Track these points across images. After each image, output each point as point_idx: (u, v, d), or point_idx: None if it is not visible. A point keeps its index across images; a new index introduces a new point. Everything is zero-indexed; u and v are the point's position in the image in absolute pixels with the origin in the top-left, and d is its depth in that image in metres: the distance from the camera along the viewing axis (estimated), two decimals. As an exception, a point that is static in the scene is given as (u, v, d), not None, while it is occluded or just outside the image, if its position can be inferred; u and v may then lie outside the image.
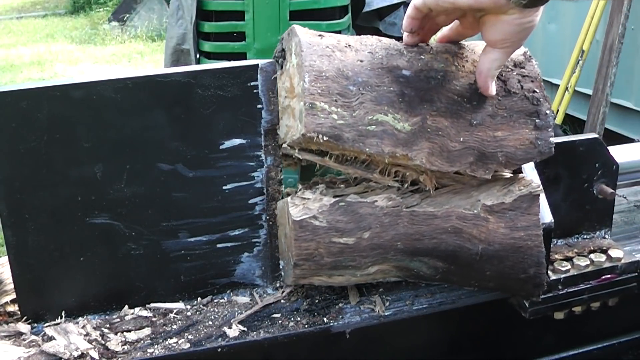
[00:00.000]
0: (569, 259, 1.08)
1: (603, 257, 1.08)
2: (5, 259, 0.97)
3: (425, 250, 0.94)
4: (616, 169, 1.12)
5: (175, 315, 0.99)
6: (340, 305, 1.02)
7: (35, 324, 0.96)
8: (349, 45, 0.93)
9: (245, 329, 0.96)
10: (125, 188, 0.95)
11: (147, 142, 0.94)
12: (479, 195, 0.96)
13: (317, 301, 1.02)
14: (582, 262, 1.06)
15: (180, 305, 1.01)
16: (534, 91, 0.97)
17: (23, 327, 0.95)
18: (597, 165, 1.10)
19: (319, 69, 0.88)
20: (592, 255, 1.09)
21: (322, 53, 0.90)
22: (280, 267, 1.03)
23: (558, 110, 4.08)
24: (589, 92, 3.91)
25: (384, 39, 0.97)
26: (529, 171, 1.00)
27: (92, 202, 0.94)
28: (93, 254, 0.96)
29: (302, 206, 0.92)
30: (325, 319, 0.99)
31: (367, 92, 0.90)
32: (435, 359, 1.09)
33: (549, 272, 1.03)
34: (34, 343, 0.92)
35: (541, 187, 0.96)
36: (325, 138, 0.87)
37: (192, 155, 0.96)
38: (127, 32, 8.61)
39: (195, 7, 2.45)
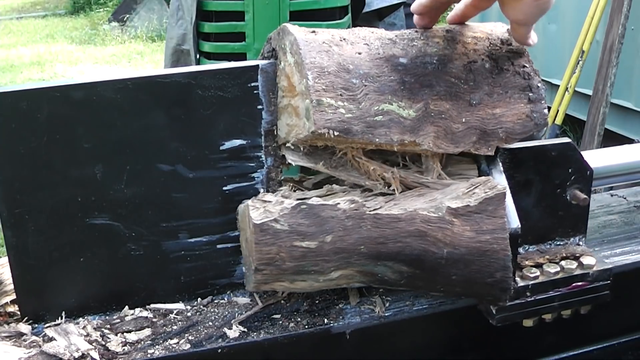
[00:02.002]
0: (539, 266, 1.04)
1: (574, 264, 1.05)
2: (5, 259, 0.97)
3: (390, 254, 0.93)
4: (590, 174, 1.08)
5: (175, 316, 0.99)
6: (341, 306, 1.02)
7: (36, 325, 0.96)
8: (344, 39, 0.94)
9: (245, 329, 0.96)
10: (125, 189, 0.95)
11: (147, 142, 0.94)
12: (443, 198, 0.94)
13: (317, 302, 1.02)
14: (552, 268, 1.03)
15: (180, 305, 1.01)
16: (524, 66, 1.01)
17: (23, 327, 0.95)
18: (570, 170, 1.07)
19: (320, 65, 0.89)
20: (563, 262, 1.05)
21: (320, 49, 0.90)
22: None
23: (558, 111, 4.08)
24: (589, 92, 3.91)
25: (375, 30, 0.98)
26: (497, 174, 0.99)
27: (92, 203, 0.94)
28: (93, 255, 0.96)
29: (263, 209, 0.90)
30: (325, 320, 0.99)
31: (370, 84, 0.90)
32: (436, 359, 1.09)
33: (518, 278, 1.01)
34: (34, 344, 0.92)
35: (507, 189, 0.95)
36: (336, 133, 0.88)
37: (192, 155, 0.96)
38: (127, 32, 8.61)
39: (195, 7, 2.45)
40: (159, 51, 7.43)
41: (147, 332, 0.96)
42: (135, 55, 7.65)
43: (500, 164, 1.01)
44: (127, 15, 8.81)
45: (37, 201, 0.92)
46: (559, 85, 4.07)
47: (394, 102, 0.91)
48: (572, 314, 1.08)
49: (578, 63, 3.93)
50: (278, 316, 0.99)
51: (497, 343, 1.12)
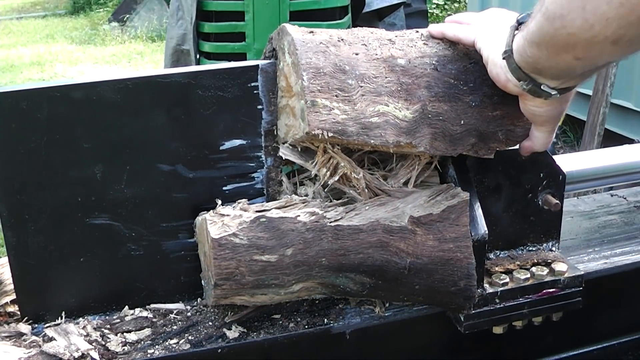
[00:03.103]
0: (509, 272, 1.03)
1: (545, 271, 1.03)
2: (5, 259, 0.97)
3: (351, 265, 0.91)
4: (563, 179, 1.07)
5: (175, 316, 0.99)
6: (341, 306, 1.02)
7: (36, 325, 0.96)
8: (342, 39, 0.93)
9: (245, 329, 0.96)
10: (125, 189, 0.95)
11: (147, 142, 0.94)
12: (405, 206, 0.93)
13: (317, 302, 1.02)
14: (522, 275, 1.02)
15: (180, 305, 1.01)
16: None
17: (23, 327, 0.95)
18: (541, 175, 1.05)
19: (316, 65, 0.88)
20: (534, 269, 1.04)
21: (317, 49, 0.90)
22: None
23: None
24: (589, 92, 3.91)
25: (375, 30, 0.98)
26: (463, 179, 0.97)
27: (92, 203, 0.94)
28: (93, 255, 0.96)
29: (221, 223, 0.88)
30: (325, 320, 0.99)
31: (366, 84, 0.90)
32: (435, 359, 1.09)
33: (487, 285, 1.00)
34: (34, 344, 0.92)
35: (469, 197, 0.93)
36: (330, 134, 0.87)
37: (192, 155, 0.96)
38: (127, 32, 8.61)
39: (195, 7, 2.44)
40: (159, 51, 7.43)
41: (147, 332, 0.96)
42: (135, 55, 7.65)
43: (468, 169, 0.99)
44: (127, 15, 8.81)
45: (37, 201, 0.92)
46: (559, 85, 4.07)
47: (390, 104, 0.90)
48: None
49: (578, 63, 3.93)
50: (278, 316, 0.99)
51: (496, 343, 1.12)
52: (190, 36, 2.49)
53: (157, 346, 0.93)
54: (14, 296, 0.98)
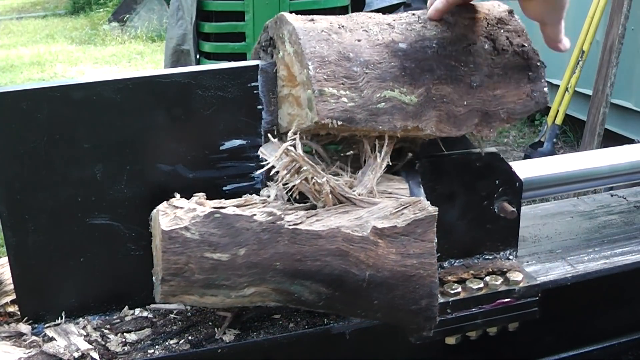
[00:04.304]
0: (462, 281, 1.01)
1: (500, 280, 1.01)
2: (5, 259, 0.97)
3: (307, 272, 0.87)
4: (520, 186, 1.05)
5: (175, 316, 0.99)
6: (341, 305, 1.01)
7: (36, 325, 0.96)
8: (342, 26, 0.93)
9: (245, 329, 0.96)
10: (125, 189, 0.95)
11: (147, 142, 0.94)
12: (369, 216, 0.89)
13: (317, 302, 1.02)
14: (476, 284, 0.99)
15: (180, 306, 1.01)
16: (523, 45, 1.00)
17: (23, 327, 0.95)
18: (497, 182, 1.03)
19: (321, 54, 0.88)
20: (488, 278, 1.01)
21: (320, 38, 0.90)
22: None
23: (558, 111, 4.08)
24: (589, 92, 3.91)
25: (373, 15, 0.98)
26: (414, 186, 0.96)
27: (92, 203, 0.94)
28: (93, 255, 0.96)
29: (173, 215, 0.85)
30: (325, 320, 0.99)
31: (371, 71, 0.90)
32: (435, 359, 1.09)
33: (438, 294, 0.95)
34: (34, 344, 0.92)
35: (437, 212, 0.90)
36: (339, 122, 0.87)
37: (192, 156, 0.96)
38: (127, 32, 8.61)
39: (195, 7, 2.45)
40: (159, 51, 7.43)
41: (147, 332, 0.96)
42: (135, 55, 7.65)
43: (419, 175, 0.97)
44: (127, 15, 8.81)
45: (37, 201, 0.92)
46: (559, 85, 4.07)
47: (396, 89, 0.90)
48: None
49: (578, 63, 3.93)
50: (278, 316, 0.99)
51: (497, 343, 1.12)
52: (190, 36, 2.49)
53: (157, 346, 0.93)
54: (14, 296, 0.98)
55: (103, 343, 0.93)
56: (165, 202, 0.89)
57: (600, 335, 1.22)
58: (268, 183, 0.94)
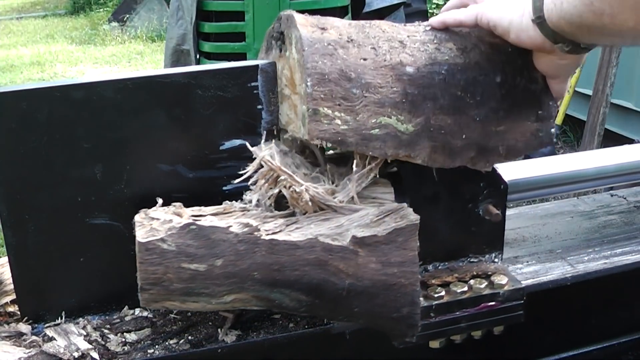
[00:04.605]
0: (446, 285, 0.99)
1: (484, 283, 1.00)
2: (5, 259, 0.97)
3: (286, 281, 0.87)
4: (505, 188, 1.04)
5: (175, 316, 0.99)
6: (341, 305, 1.01)
7: (36, 325, 0.96)
8: (351, 40, 0.90)
9: (245, 329, 0.96)
10: (125, 188, 0.95)
11: (147, 142, 0.94)
12: (350, 224, 0.88)
13: (317, 302, 1.02)
14: (460, 288, 0.98)
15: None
16: (537, 82, 0.95)
17: (23, 327, 0.95)
18: (482, 184, 1.02)
19: (322, 71, 0.86)
20: (472, 281, 1.00)
21: (324, 52, 0.87)
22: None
23: (558, 111, 4.08)
24: (589, 92, 3.91)
25: (388, 28, 0.93)
26: (395, 190, 0.94)
27: (92, 203, 0.94)
28: (93, 255, 0.96)
29: (150, 227, 0.85)
30: (325, 320, 0.99)
31: (371, 95, 0.87)
32: (436, 359, 1.09)
33: (421, 298, 0.96)
34: (34, 343, 0.92)
35: (419, 220, 0.88)
36: (328, 145, 0.86)
37: (192, 155, 0.96)
38: (127, 32, 8.60)
39: (195, 7, 2.45)
40: (159, 51, 7.42)
41: (146, 332, 0.96)
42: (135, 55, 7.64)
43: (402, 178, 0.96)
44: (127, 15, 8.80)
45: (37, 201, 0.92)
46: (559, 85, 4.07)
47: (393, 116, 0.88)
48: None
49: (578, 63, 3.93)
50: (278, 316, 0.99)
51: (497, 343, 1.12)
52: (190, 36, 2.50)
53: (157, 346, 0.93)
54: (14, 296, 0.98)
55: (103, 343, 0.93)
56: (142, 211, 0.89)
57: (600, 335, 1.22)
58: (251, 187, 0.93)
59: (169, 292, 0.85)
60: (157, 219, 0.86)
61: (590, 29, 0.78)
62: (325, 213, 0.90)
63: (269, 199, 0.90)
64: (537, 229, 1.27)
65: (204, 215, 0.88)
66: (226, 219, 0.88)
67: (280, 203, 0.92)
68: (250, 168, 0.89)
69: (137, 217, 0.87)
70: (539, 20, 0.84)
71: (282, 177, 0.88)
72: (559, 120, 4.08)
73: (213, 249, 0.84)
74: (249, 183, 0.91)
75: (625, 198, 1.39)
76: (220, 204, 0.94)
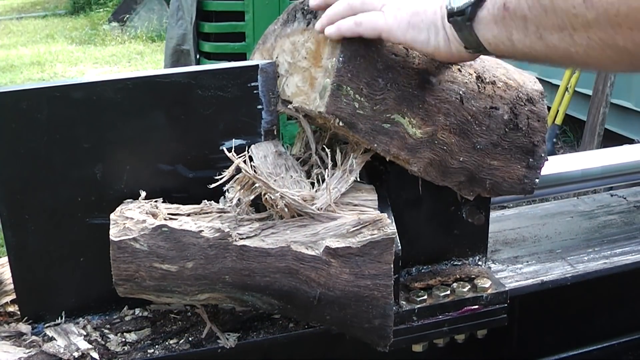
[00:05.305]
0: (428, 288, 0.99)
1: (467, 287, 1.00)
2: (5, 259, 0.97)
3: (257, 287, 0.88)
4: None
5: (175, 316, 0.99)
6: (341, 305, 1.01)
7: (36, 325, 0.96)
8: None
9: (245, 329, 0.96)
10: (125, 188, 0.95)
11: (147, 142, 0.94)
12: (325, 233, 0.87)
13: (317, 302, 1.01)
14: (442, 292, 0.98)
15: (180, 305, 1.01)
16: (538, 132, 0.99)
17: (23, 327, 0.95)
18: None
19: (356, 51, 0.87)
20: (455, 285, 1.00)
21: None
22: None
23: (558, 111, 4.08)
24: (589, 92, 3.90)
25: None
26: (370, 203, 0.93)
27: (92, 203, 0.94)
28: (93, 255, 0.96)
29: (123, 226, 0.86)
30: (325, 320, 0.99)
31: (393, 90, 0.89)
32: (436, 359, 1.09)
33: (403, 302, 0.96)
34: (34, 343, 0.92)
35: (395, 234, 0.87)
36: (341, 124, 0.87)
37: (192, 155, 0.96)
38: (127, 32, 8.60)
39: (195, 7, 2.45)
40: (159, 51, 7.42)
41: (146, 332, 0.96)
42: (135, 55, 7.64)
43: (384, 182, 0.96)
44: (127, 15, 8.80)
45: (38, 201, 0.92)
46: (559, 85, 4.06)
47: (407, 116, 0.90)
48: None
49: (578, 63, 3.92)
50: (278, 316, 0.99)
51: (496, 343, 1.12)
52: (190, 36, 2.50)
53: (156, 346, 0.93)
54: (14, 296, 0.98)
55: (103, 343, 0.93)
56: (118, 209, 0.90)
57: (600, 335, 1.22)
58: (233, 186, 0.92)
59: (142, 287, 0.88)
60: (132, 218, 0.88)
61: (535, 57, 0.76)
62: (302, 219, 0.89)
63: (245, 203, 0.90)
64: (537, 229, 1.27)
65: (180, 215, 0.90)
66: (202, 219, 0.89)
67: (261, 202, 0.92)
68: (226, 173, 0.89)
69: (113, 215, 0.89)
70: (469, 44, 0.81)
71: (256, 185, 0.88)
72: (558, 120, 4.08)
73: (183, 251, 0.86)
74: (225, 189, 0.91)
75: (625, 198, 1.39)
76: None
